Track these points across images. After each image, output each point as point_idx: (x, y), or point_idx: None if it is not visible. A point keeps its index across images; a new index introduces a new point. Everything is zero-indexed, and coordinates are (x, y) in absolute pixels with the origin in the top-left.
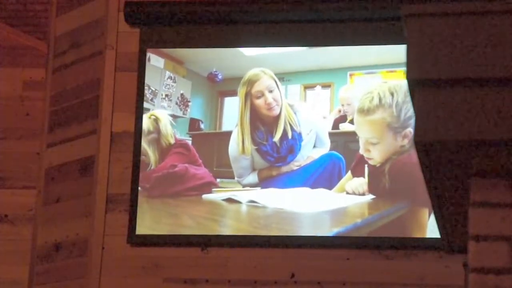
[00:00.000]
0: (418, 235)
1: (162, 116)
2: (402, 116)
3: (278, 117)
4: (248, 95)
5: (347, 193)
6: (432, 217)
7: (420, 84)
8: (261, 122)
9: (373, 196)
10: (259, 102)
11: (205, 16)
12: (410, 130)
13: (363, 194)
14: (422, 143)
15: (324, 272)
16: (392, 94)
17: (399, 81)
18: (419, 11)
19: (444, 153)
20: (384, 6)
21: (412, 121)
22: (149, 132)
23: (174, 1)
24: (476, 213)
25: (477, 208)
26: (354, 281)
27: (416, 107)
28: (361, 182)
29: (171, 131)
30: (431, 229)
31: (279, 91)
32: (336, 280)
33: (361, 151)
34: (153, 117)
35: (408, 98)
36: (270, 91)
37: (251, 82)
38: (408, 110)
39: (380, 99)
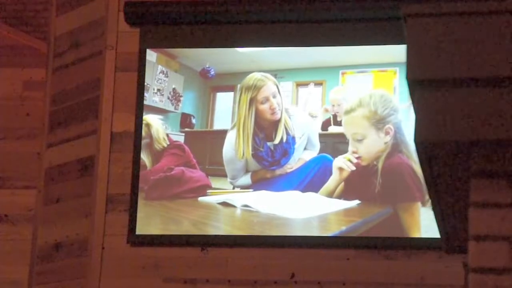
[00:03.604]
0: (414, 229)
1: (153, 121)
2: (380, 111)
3: (278, 121)
4: (253, 101)
5: (338, 167)
6: (430, 216)
7: (420, 84)
8: (260, 128)
9: (359, 202)
10: (264, 107)
11: (205, 16)
12: (390, 127)
13: (353, 164)
14: (422, 143)
15: (324, 272)
16: (370, 97)
17: (376, 90)
18: (419, 11)
19: (444, 153)
20: (377, 7)
21: (391, 118)
22: (142, 138)
23: (174, 1)
24: (476, 213)
25: (477, 208)
26: (354, 281)
27: (416, 107)
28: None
29: (163, 135)
30: (429, 227)
31: (280, 96)
32: (336, 280)
33: (350, 151)
34: (144, 122)
35: (384, 99)
36: (274, 97)
37: (257, 88)
38: (385, 108)
39: (360, 101)
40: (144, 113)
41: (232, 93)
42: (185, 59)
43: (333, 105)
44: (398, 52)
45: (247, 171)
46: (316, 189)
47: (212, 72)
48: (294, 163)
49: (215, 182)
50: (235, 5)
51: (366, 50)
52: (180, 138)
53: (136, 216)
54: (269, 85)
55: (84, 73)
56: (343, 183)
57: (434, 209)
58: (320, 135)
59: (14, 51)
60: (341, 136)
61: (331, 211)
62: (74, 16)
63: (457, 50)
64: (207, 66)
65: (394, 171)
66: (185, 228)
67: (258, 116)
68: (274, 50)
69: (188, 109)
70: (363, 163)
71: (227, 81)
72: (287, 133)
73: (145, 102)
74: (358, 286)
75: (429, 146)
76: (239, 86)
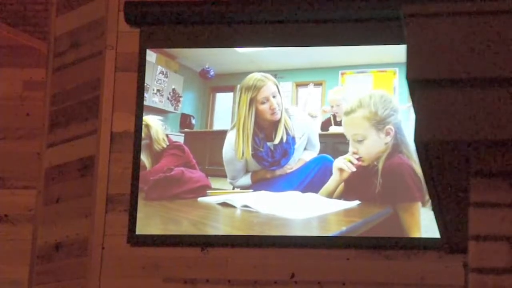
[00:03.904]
0: (414, 229)
1: (153, 122)
2: (380, 112)
3: (278, 122)
4: (253, 101)
5: (338, 167)
6: (430, 216)
7: (420, 84)
8: (260, 128)
9: (359, 202)
10: (264, 107)
11: (205, 16)
12: (390, 128)
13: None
14: (422, 143)
15: (324, 272)
16: (370, 98)
17: (376, 91)
18: (419, 11)
19: (444, 153)
20: (377, 7)
21: (391, 119)
22: (141, 139)
23: (174, 1)
24: (476, 213)
25: (477, 208)
26: (354, 281)
27: (416, 107)
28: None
29: (163, 136)
30: (429, 227)
31: (280, 96)
32: (336, 280)
33: (350, 152)
34: (143, 123)
35: (384, 99)
36: (274, 97)
37: (256, 88)
38: (386, 109)
39: (360, 102)
40: (143, 114)
41: (231, 94)
42: (184, 59)
43: (332, 106)
44: (397, 52)
45: (247, 172)
46: (316, 190)
47: (212, 73)
48: (294, 164)
49: (215, 183)
50: (235, 5)
51: (365, 50)
52: (179, 138)
53: (136, 216)
54: (269, 85)
55: (84, 73)
56: (343, 184)
57: (434, 209)
58: (320, 136)
59: (14, 51)
60: (341, 136)
61: (331, 212)
62: (74, 16)
63: (457, 50)
64: (207, 66)
65: (395, 171)
66: (185, 228)
67: (258, 116)
68: (274, 50)
69: (187, 110)
70: (364, 164)
71: (226, 81)
72: (287, 133)
73: (144, 103)
74: (358, 286)
75: (429, 146)
76: (238, 86)
